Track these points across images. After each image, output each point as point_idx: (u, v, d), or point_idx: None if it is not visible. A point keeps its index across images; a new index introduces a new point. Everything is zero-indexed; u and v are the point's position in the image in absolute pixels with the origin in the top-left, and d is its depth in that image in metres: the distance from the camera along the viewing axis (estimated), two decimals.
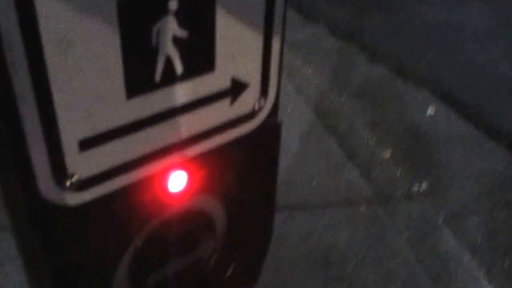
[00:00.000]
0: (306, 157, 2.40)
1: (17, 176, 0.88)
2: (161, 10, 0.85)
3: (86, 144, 0.88)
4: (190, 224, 1.22)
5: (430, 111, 2.81)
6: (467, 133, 2.67)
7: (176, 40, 0.88)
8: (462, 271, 1.97)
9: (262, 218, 1.36)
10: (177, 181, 1.07)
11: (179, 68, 0.91)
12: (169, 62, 0.90)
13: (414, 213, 2.19)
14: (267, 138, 1.15)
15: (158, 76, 0.90)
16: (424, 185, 2.33)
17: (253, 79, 1.03)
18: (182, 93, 0.95)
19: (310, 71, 3.04)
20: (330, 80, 2.96)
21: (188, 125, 1.00)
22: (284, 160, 2.19)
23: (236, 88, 1.01)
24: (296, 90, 2.84)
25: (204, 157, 1.07)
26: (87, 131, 0.87)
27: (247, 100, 1.05)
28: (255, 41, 0.99)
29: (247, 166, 1.17)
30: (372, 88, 2.90)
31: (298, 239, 1.98)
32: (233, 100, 1.03)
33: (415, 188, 2.31)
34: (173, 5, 0.85)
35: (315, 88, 2.89)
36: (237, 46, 0.97)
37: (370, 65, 3.11)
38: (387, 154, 2.48)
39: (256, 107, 1.07)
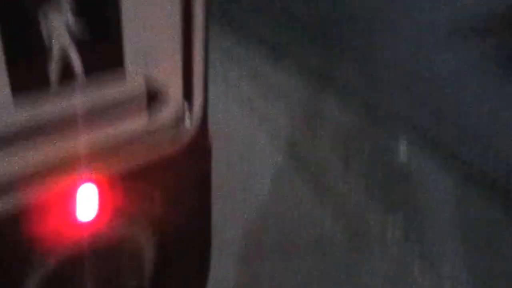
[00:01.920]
0: None
1: None
2: None
3: None
4: (111, 255, 1.06)
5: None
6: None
7: (71, 32, 0.75)
8: None
9: (196, 253, 1.20)
10: (86, 206, 0.92)
11: (77, 66, 0.78)
12: (66, 59, 0.77)
13: None
14: (195, 160, 1.01)
15: (52, 74, 0.76)
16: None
17: (173, 85, 0.89)
18: (83, 96, 0.80)
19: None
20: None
21: (94, 137, 0.85)
22: None
23: (151, 95, 0.87)
24: None
25: (118, 178, 0.92)
26: None
27: (167, 111, 0.91)
28: (172, 37, 0.85)
29: (170, 193, 1.02)
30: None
31: None
32: (149, 109, 0.89)
33: None
34: None
35: None
36: (150, 43, 0.83)
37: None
38: None
39: (178, 121, 0.93)
